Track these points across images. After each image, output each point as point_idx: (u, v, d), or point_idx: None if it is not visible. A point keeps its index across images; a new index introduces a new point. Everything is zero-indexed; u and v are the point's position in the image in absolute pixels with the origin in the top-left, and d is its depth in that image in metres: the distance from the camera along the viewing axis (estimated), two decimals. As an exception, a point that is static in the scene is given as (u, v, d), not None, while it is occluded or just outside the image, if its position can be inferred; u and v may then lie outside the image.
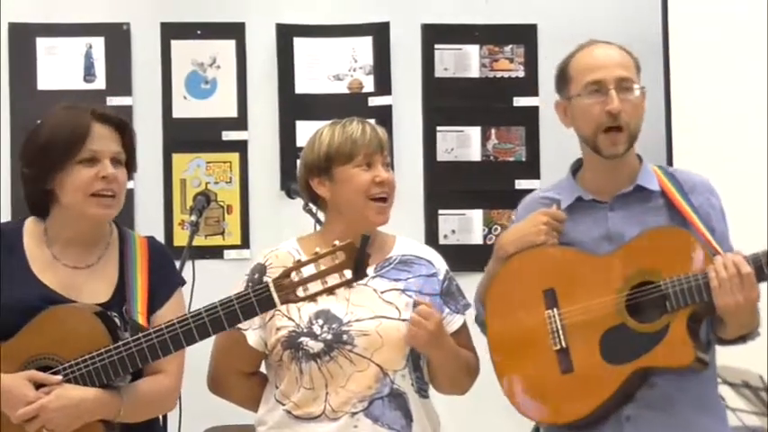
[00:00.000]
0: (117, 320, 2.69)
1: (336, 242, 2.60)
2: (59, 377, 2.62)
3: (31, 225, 2.84)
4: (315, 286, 2.59)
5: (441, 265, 2.98)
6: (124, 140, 2.79)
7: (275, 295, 2.59)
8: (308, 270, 2.61)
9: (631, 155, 2.90)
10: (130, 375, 2.68)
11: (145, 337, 2.62)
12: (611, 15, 4.60)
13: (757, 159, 4.21)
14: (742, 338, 2.81)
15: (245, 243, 4.50)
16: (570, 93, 2.90)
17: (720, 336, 2.80)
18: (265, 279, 2.77)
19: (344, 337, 2.81)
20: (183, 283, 2.89)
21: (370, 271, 2.86)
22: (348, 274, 2.57)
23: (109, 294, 2.75)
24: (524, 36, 4.65)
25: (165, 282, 2.79)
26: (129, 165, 2.82)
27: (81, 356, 2.63)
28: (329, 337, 2.81)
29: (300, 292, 2.59)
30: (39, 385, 2.62)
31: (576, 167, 2.99)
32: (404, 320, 2.84)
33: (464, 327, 2.95)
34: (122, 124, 2.81)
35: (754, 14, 4.31)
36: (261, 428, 2.91)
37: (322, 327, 2.82)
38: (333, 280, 2.59)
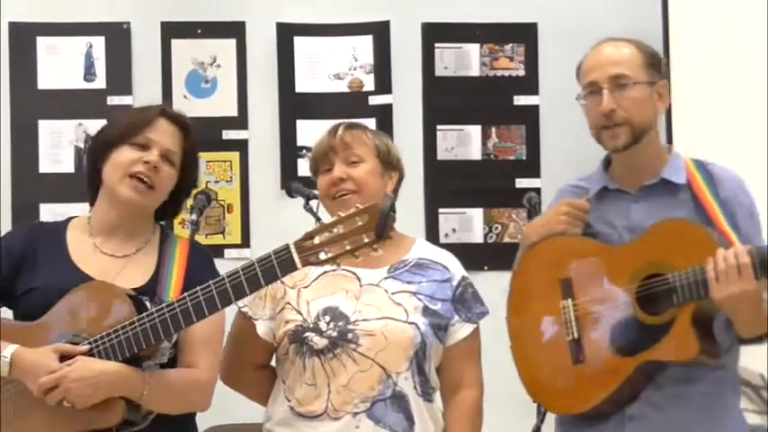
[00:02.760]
0: (148, 304, 2.69)
1: (358, 205, 2.56)
2: (86, 347, 2.62)
3: (76, 220, 2.88)
4: (336, 249, 2.53)
5: (457, 270, 2.98)
6: (185, 145, 2.83)
7: (296, 257, 2.54)
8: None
9: (651, 147, 2.91)
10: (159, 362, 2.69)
11: (168, 308, 2.61)
12: (611, 14, 4.60)
13: (759, 158, 4.20)
14: (760, 338, 2.77)
15: (245, 242, 4.50)
16: (577, 95, 2.95)
17: (739, 335, 2.78)
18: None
19: (349, 335, 2.81)
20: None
21: (383, 272, 2.88)
22: (371, 235, 2.51)
23: (143, 282, 2.76)
24: (525, 35, 4.65)
25: (200, 278, 2.73)
26: (186, 173, 2.84)
27: (107, 331, 2.62)
28: (334, 334, 2.82)
29: (322, 255, 2.53)
30: (64, 358, 2.62)
31: (609, 158, 3.00)
32: (411, 323, 2.85)
33: (473, 336, 2.94)
34: (187, 127, 2.85)
35: (754, 13, 4.31)
36: (267, 424, 2.92)
37: (328, 323, 2.82)
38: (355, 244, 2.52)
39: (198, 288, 2.60)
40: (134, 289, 2.71)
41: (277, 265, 2.56)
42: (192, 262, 2.82)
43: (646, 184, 2.90)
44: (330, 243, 2.52)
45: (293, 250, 2.54)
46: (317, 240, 2.53)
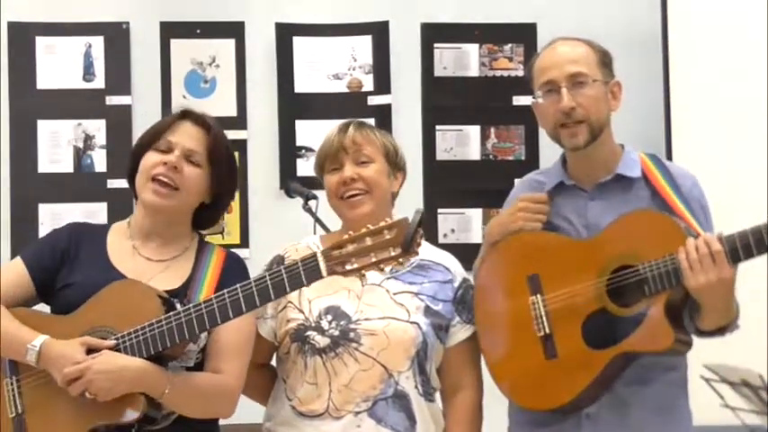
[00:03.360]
0: (177, 306, 2.71)
1: (388, 219, 2.57)
2: (112, 342, 2.66)
3: (116, 225, 2.93)
4: (363, 261, 2.54)
5: (458, 272, 2.99)
6: (209, 144, 2.85)
7: (323, 266, 2.56)
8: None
9: (606, 145, 2.92)
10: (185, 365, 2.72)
11: (194, 308, 2.63)
12: (609, 14, 4.61)
13: (757, 156, 4.21)
14: (720, 331, 2.79)
15: (244, 242, 4.49)
16: (535, 94, 2.94)
17: (699, 327, 2.79)
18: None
19: (351, 334, 2.82)
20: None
21: (385, 272, 2.87)
22: (398, 250, 2.52)
23: (176, 286, 2.79)
24: (524, 35, 4.65)
25: (232, 285, 2.72)
26: (217, 173, 2.85)
27: (134, 328, 2.65)
28: (336, 333, 2.82)
29: (348, 266, 2.55)
30: (91, 351, 2.65)
31: (566, 155, 3.01)
32: (412, 323, 2.85)
33: (473, 338, 2.95)
34: (208, 126, 2.87)
35: (753, 12, 4.31)
36: (268, 424, 2.92)
37: (330, 322, 2.83)
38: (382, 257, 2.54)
39: (225, 291, 2.63)
40: (167, 291, 2.74)
41: (303, 273, 2.58)
42: (226, 269, 2.84)
43: (601, 181, 2.91)
44: (357, 254, 2.54)
45: (320, 259, 2.56)
46: (344, 251, 2.55)
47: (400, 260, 2.54)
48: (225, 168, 2.88)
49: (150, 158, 2.81)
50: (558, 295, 2.83)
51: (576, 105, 2.84)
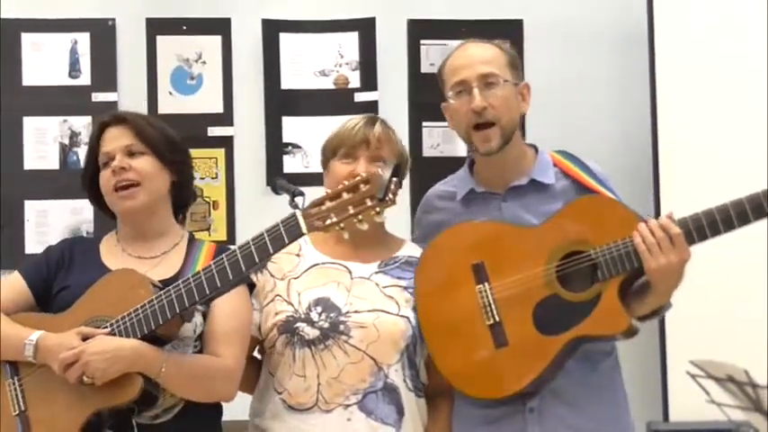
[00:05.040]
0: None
1: (362, 173, 2.61)
2: (106, 329, 2.70)
3: (107, 236, 3.01)
4: (341, 215, 2.58)
5: None
6: (136, 132, 2.89)
7: (302, 222, 2.60)
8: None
9: (517, 147, 2.92)
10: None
11: (183, 282, 2.68)
12: (596, 11, 4.62)
13: (745, 155, 4.21)
14: (655, 313, 2.82)
15: (231, 239, 4.48)
16: (446, 96, 2.94)
17: (636, 313, 2.79)
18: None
19: (341, 327, 2.82)
20: (247, 281, 2.89)
21: (374, 266, 2.88)
22: (374, 199, 2.57)
23: (168, 276, 2.82)
24: (510, 31, 4.63)
25: None
26: (158, 149, 2.90)
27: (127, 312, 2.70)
28: (326, 325, 2.82)
29: (327, 220, 2.59)
30: (87, 339, 2.69)
31: (473, 160, 3.01)
32: (402, 316, 2.85)
33: None
34: (121, 119, 2.93)
35: (740, 9, 4.32)
36: (257, 420, 2.92)
37: (320, 314, 2.83)
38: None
39: (211, 263, 2.68)
40: (160, 281, 2.78)
41: (284, 232, 2.62)
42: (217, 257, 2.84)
43: (514, 185, 2.90)
44: (335, 209, 2.58)
45: (299, 216, 2.60)
46: (323, 207, 2.59)
47: (377, 209, 2.56)
48: (163, 140, 2.92)
49: (104, 177, 2.89)
50: (506, 283, 2.81)
51: (487, 105, 2.84)
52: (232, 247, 2.73)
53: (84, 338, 2.69)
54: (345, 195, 2.57)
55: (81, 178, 2.99)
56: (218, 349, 2.77)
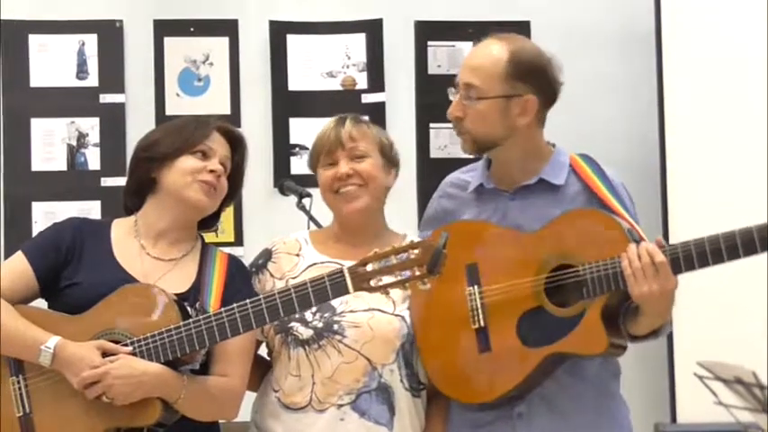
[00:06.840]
0: (190, 310, 2.74)
1: (413, 239, 2.62)
2: (129, 348, 2.67)
3: (119, 221, 2.92)
4: (388, 279, 2.60)
5: None
6: (234, 157, 2.91)
7: (349, 282, 2.61)
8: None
9: (516, 149, 2.85)
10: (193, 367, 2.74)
11: (215, 316, 2.66)
12: (603, 12, 4.61)
13: (753, 155, 4.21)
14: (654, 333, 2.76)
15: (238, 240, 4.50)
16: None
17: (632, 332, 2.75)
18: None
19: (335, 326, 2.82)
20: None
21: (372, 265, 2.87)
22: (423, 270, 2.57)
23: (185, 288, 2.81)
24: (518, 33, 4.60)
25: (239, 290, 2.80)
26: (233, 184, 2.92)
27: (150, 333, 2.67)
28: (320, 325, 2.82)
29: (373, 282, 2.60)
30: (106, 355, 2.67)
31: None
32: (398, 315, 2.85)
33: None
34: (238, 140, 2.94)
35: (746, 9, 4.32)
36: (256, 416, 2.93)
37: (314, 314, 2.83)
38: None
39: (247, 301, 2.66)
40: (176, 295, 2.75)
41: (330, 288, 2.63)
42: (230, 273, 2.87)
43: (523, 184, 2.85)
44: (382, 272, 2.60)
45: (347, 275, 2.62)
46: (369, 268, 2.61)
47: (425, 280, 2.58)
48: (239, 181, 2.96)
49: (193, 162, 2.83)
50: (495, 289, 2.77)
51: (462, 116, 2.82)
52: (241, 253, 2.73)
53: (104, 354, 2.66)
54: (394, 259, 2.59)
55: (159, 147, 2.86)
56: (226, 369, 2.77)
